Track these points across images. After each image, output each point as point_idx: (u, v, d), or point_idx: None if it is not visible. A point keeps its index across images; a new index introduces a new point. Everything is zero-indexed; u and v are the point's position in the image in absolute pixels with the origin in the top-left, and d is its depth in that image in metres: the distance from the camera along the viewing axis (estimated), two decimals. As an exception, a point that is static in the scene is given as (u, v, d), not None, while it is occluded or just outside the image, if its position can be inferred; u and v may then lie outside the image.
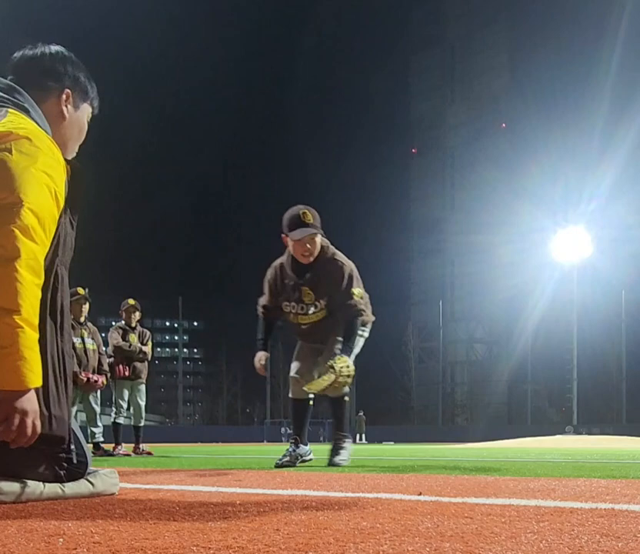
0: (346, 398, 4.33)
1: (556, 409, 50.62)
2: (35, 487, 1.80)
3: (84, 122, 2.18)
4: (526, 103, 61.46)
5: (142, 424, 8.19)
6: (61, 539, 1.19)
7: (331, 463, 4.19)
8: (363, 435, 35.98)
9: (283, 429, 40.50)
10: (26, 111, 1.95)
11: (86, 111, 2.18)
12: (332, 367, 3.89)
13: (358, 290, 4.14)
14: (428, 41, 72.61)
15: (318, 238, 4.10)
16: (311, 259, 4.11)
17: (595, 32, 57.27)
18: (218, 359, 63.05)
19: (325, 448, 6.10)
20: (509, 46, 67.80)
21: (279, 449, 11.60)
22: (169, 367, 77.19)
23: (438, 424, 46.89)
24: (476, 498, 1.94)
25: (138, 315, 8.16)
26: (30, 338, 1.69)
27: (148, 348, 8.14)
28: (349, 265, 4.18)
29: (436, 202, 71.01)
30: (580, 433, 27.60)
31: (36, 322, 1.72)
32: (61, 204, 1.87)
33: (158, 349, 75.76)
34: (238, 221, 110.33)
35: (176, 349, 72.54)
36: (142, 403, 8.15)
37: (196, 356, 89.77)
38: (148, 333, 8.27)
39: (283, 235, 4.13)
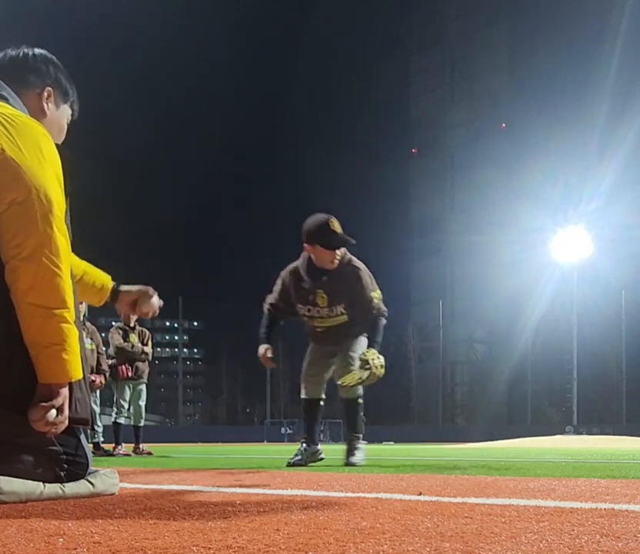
0: (360, 401, 4.36)
1: (556, 409, 50.54)
2: (34, 487, 1.80)
3: (63, 123, 2.17)
4: (526, 103, 61.41)
5: (142, 424, 8.21)
6: (61, 539, 1.19)
7: (348, 463, 4.23)
8: None
9: (283, 429, 40.45)
10: (4, 100, 1.93)
11: (66, 112, 2.17)
12: (367, 361, 3.91)
13: (377, 292, 4.26)
14: (428, 41, 72.59)
15: None
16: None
17: (595, 32, 57.24)
18: (218, 359, 63.03)
19: (327, 447, 6.07)
20: (509, 46, 67.73)
21: (279, 449, 11.60)
22: (169, 367, 77.14)
23: (438, 424, 46.79)
24: (476, 498, 1.94)
25: (137, 314, 8.16)
26: (75, 334, 1.78)
27: (149, 349, 8.16)
28: (364, 269, 4.28)
29: (436, 202, 70.90)
30: (580, 433, 27.57)
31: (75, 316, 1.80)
32: (63, 191, 1.88)
33: (158, 349, 75.69)
34: (239, 221, 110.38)
35: (176, 349, 72.43)
36: (142, 403, 8.17)
37: (196, 356, 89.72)
38: (148, 333, 8.28)
39: (308, 245, 4.15)
